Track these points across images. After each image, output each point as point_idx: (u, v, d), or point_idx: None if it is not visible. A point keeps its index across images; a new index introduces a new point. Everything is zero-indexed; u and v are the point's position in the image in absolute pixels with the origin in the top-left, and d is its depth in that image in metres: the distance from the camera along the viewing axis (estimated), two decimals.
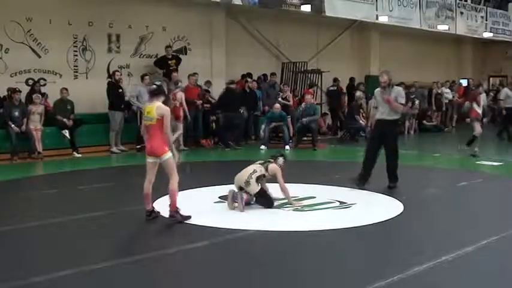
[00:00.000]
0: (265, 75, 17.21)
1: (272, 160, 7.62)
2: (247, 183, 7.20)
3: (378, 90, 8.93)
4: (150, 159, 6.80)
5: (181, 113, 13.47)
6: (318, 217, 7.14)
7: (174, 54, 15.26)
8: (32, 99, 12.46)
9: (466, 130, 20.42)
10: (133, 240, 6.10)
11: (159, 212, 6.89)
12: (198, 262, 5.38)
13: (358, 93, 17.73)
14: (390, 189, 8.69)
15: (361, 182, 8.83)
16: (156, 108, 6.58)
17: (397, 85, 9.38)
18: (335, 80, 18.70)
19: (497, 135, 16.81)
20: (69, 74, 13.85)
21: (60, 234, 6.41)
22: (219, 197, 7.87)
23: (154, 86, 6.88)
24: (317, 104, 17.85)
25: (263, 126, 14.71)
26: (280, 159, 7.68)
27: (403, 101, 8.92)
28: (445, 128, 20.17)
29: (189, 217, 6.70)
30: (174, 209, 6.66)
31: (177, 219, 6.62)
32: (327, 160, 13.28)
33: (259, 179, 7.31)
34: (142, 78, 14.04)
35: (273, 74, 16.98)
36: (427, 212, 7.56)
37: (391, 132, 8.89)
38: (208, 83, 15.48)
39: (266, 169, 7.42)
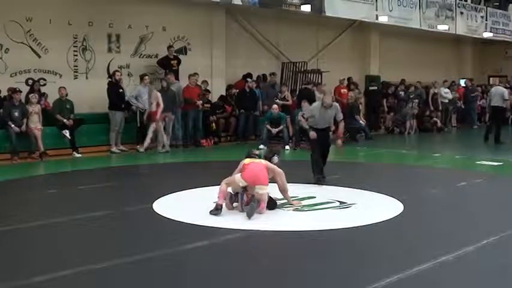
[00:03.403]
0: (264, 75, 17.21)
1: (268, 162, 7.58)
2: (244, 188, 7.18)
3: (317, 106, 9.43)
4: None
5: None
6: (318, 217, 7.14)
7: (175, 54, 15.29)
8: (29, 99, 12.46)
9: (466, 130, 20.59)
10: (133, 240, 6.09)
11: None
12: (198, 262, 5.38)
13: (351, 94, 17.75)
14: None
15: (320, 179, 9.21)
16: None
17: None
18: (373, 80, 19.97)
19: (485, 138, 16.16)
20: (69, 74, 13.84)
21: (60, 234, 6.41)
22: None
23: None
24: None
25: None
26: (275, 158, 7.64)
27: (341, 116, 9.46)
28: (445, 128, 20.16)
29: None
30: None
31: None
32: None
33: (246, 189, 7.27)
34: (142, 78, 14.05)
35: (273, 73, 16.93)
36: (427, 212, 7.56)
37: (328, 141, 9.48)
38: (204, 82, 15.50)
39: None
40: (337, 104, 9.58)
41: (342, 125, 9.67)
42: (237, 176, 7.14)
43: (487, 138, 16.03)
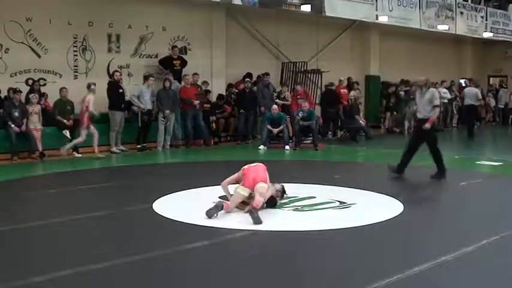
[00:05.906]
0: (259, 75, 17.14)
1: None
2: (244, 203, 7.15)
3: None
4: None
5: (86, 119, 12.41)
6: (318, 217, 7.13)
7: (180, 55, 15.28)
8: (29, 99, 12.45)
9: (466, 130, 20.58)
10: (133, 240, 6.09)
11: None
12: (198, 262, 5.38)
13: (353, 93, 17.74)
14: (432, 178, 9.70)
15: (399, 171, 9.95)
16: None
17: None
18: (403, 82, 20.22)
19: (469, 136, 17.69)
20: (69, 74, 13.85)
21: (60, 234, 6.40)
22: (219, 197, 7.85)
23: None
24: (316, 103, 17.87)
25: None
26: (278, 185, 7.50)
27: (436, 102, 9.86)
28: (444, 128, 20.17)
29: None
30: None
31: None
32: (327, 160, 13.27)
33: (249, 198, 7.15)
34: (146, 78, 14.03)
35: (266, 74, 16.72)
36: (427, 212, 7.56)
37: (427, 131, 9.85)
38: (205, 83, 15.53)
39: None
40: (434, 90, 10.15)
41: (434, 111, 9.91)
42: (240, 188, 7.00)
43: (471, 134, 17.82)
